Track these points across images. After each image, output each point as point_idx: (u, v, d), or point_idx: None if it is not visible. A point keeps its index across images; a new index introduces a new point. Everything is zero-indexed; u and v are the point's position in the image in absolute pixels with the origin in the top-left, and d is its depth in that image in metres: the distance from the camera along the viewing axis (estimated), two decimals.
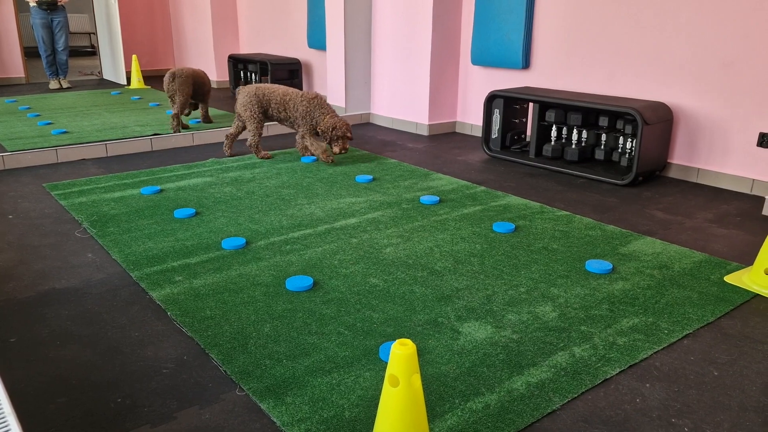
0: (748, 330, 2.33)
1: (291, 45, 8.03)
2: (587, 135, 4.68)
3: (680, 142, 4.38)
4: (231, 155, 4.91)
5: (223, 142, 5.49)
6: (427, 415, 1.79)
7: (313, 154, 4.79)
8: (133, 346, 2.17)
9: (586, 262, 2.88)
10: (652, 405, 1.88)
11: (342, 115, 6.32)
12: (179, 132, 5.51)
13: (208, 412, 1.83)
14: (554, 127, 4.77)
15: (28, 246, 3.08)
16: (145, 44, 10.18)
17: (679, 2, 4.19)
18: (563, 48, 4.97)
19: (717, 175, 4.22)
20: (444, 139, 5.78)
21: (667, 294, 2.60)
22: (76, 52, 12.97)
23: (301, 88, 7.72)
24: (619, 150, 4.49)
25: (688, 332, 2.30)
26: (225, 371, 2.02)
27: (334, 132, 4.50)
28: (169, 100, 5.65)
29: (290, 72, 7.60)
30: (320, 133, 4.57)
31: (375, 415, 1.78)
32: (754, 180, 4.05)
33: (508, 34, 5.26)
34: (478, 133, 5.88)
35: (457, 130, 6.12)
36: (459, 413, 1.82)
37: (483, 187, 4.12)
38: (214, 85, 9.04)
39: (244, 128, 4.81)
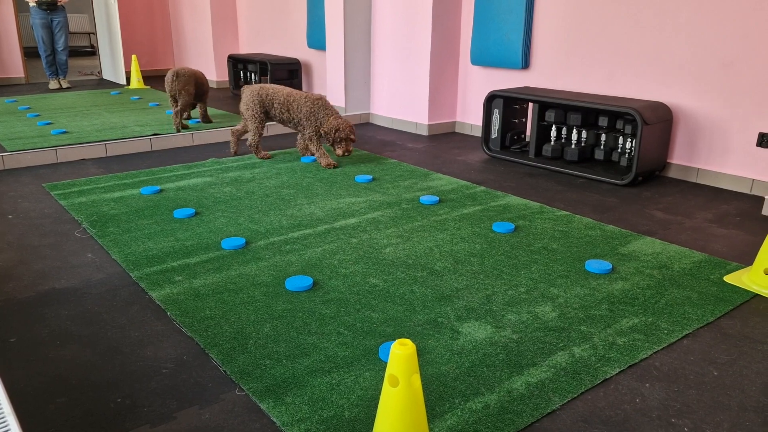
0: (748, 330, 2.33)
1: (290, 45, 8.03)
2: (587, 135, 4.68)
3: (680, 142, 4.39)
4: (236, 153, 4.91)
5: (222, 142, 5.50)
6: (427, 415, 1.79)
7: (316, 159, 4.77)
8: (132, 346, 2.17)
9: (586, 262, 2.88)
10: (651, 405, 1.88)
11: (341, 115, 6.31)
12: (181, 130, 5.57)
13: (207, 412, 1.83)
14: (554, 127, 4.77)
15: (27, 246, 3.08)
16: (145, 44, 10.18)
17: (678, 2, 4.19)
18: (563, 48, 4.97)
19: (717, 175, 4.22)
20: (444, 139, 5.78)
21: (667, 294, 2.60)
22: (75, 52, 12.97)
23: (300, 89, 7.72)
24: (619, 150, 4.49)
25: (687, 332, 2.30)
26: (225, 371, 2.02)
27: (337, 134, 4.48)
28: (170, 99, 5.65)
29: (290, 72, 7.60)
30: (323, 135, 4.55)
31: (375, 415, 1.78)
32: (753, 180, 4.05)
33: (508, 34, 5.26)
34: (478, 133, 5.88)
35: (456, 130, 6.12)
36: (459, 413, 1.82)
37: (483, 187, 4.12)
38: (213, 85, 9.04)
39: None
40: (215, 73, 9.03)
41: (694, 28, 4.14)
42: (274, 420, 1.79)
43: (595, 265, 2.82)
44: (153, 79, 9.69)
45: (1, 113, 6.45)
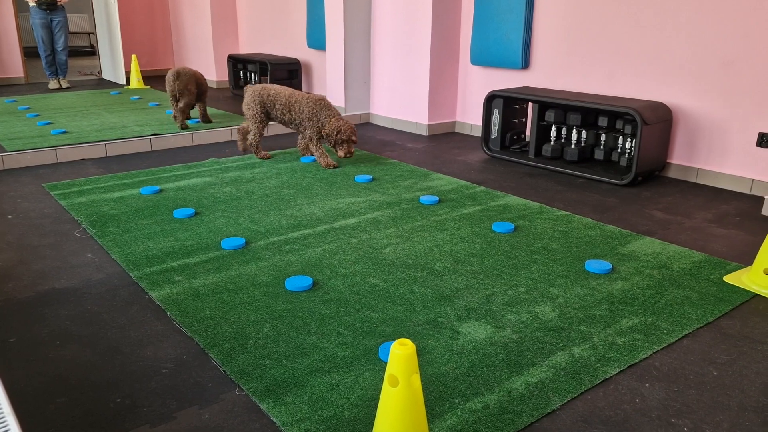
0: (748, 330, 2.33)
1: (290, 45, 8.03)
2: (587, 135, 4.68)
3: (680, 142, 4.39)
4: (245, 150, 4.91)
5: (222, 142, 5.50)
6: (427, 415, 1.79)
7: (316, 159, 4.76)
8: (132, 346, 2.17)
9: (586, 262, 2.88)
10: (651, 405, 1.88)
11: (342, 115, 6.31)
12: (186, 127, 5.65)
13: (207, 412, 1.83)
14: (554, 127, 4.77)
15: (27, 246, 3.08)
16: (145, 44, 10.17)
17: (678, 2, 4.19)
18: (563, 48, 4.97)
19: (716, 175, 4.23)
20: (443, 139, 5.78)
21: (667, 294, 2.60)
22: (75, 52, 12.97)
23: (300, 89, 7.72)
24: (619, 150, 4.49)
25: (687, 332, 2.30)
26: (224, 371, 2.02)
27: (338, 135, 4.45)
28: (171, 98, 5.65)
29: (289, 72, 7.60)
30: (325, 137, 4.52)
31: (374, 415, 1.78)
32: (753, 180, 4.05)
33: (508, 34, 5.26)
34: (478, 133, 5.88)
35: (456, 130, 6.12)
36: (458, 413, 1.82)
37: (482, 187, 4.12)
38: (213, 85, 9.04)
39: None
40: (215, 73, 9.03)
41: (695, 28, 4.14)
42: (274, 420, 1.79)
43: (594, 265, 2.82)
44: (153, 79, 9.69)
45: (1, 113, 6.45)
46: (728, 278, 2.75)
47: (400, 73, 6.06)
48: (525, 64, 5.25)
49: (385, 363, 2.06)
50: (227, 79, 8.82)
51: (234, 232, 3.26)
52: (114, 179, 4.22)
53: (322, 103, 4.54)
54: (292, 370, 2.02)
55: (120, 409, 1.84)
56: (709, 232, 3.37)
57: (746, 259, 3.00)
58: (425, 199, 3.79)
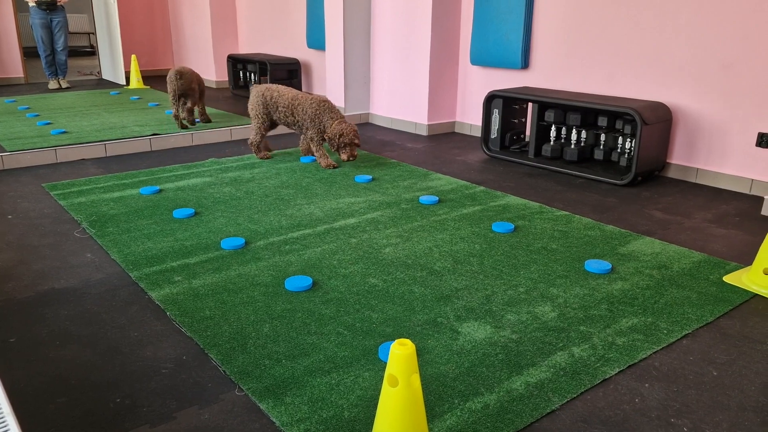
0: (747, 330, 2.33)
1: (290, 45, 8.03)
2: (586, 135, 4.68)
3: (679, 142, 4.39)
4: (268, 150, 4.91)
5: (222, 142, 5.50)
6: (427, 415, 1.79)
7: (316, 159, 4.76)
8: (132, 346, 2.17)
9: (585, 262, 2.88)
10: (651, 405, 1.88)
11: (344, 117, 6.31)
12: (194, 124, 5.73)
13: (207, 412, 1.83)
14: (553, 127, 4.77)
15: (27, 246, 3.08)
16: (145, 44, 10.17)
17: (678, 4, 4.19)
18: (563, 48, 4.97)
19: (716, 175, 4.23)
20: (443, 139, 5.78)
21: (666, 294, 2.60)
22: (75, 52, 12.96)
23: (300, 89, 7.72)
24: (618, 150, 4.49)
25: (687, 332, 2.30)
26: (224, 371, 2.02)
27: (341, 139, 4.39)
28: (172, 98, 5.65)
29: (289, 72, 7.60)
30: (327, 140, 4.47)
31: (374, 415, 1.78)
32: (753, 180, 4.06)
33: (507, 34, 5.26)
34: (478, 133, 5.88)
35: (456, 130, 6.12)
36: (458, 413, 1.82)
37: (482, 187, 4.12)
38: (213, 85, 9.05)
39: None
40: (215, 73, 9.03)
41: (694, 30, 4.14)
42: (274, 420, 1.79)
43: (594, 265, 2.82)
44: (152, 79, 9.69)
45: (1, 113, 6.45)
46: (728, 278, 2.75)
47: (399, 73, 6.06)
48: (525, 65, 5.25)
49: (385, 363, 2.06)
50: (227, 79, 8.82)
51: (234, 232, 3.26)
52: (114, 179, 4.22)
53: (325, 105, 4.50)
54: (292, 370, 2.03)
55: (120, 409, 1.84)
56: (709, 232, 3.37)
57: (746, 259, 3.00)
58: (425, 199, 3.79)
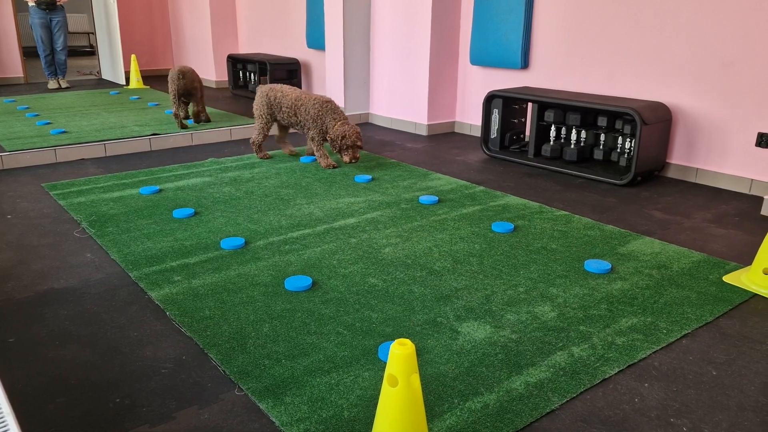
0: (747, 330, 2.33)
1: (290, 45, 8.03)
2: (586, 135, 4.68)
3: (679, 142, 4.39)
4: (291, 153, 4.90)
5: (221, 142, 5.50)
6: (426, 415, 1.79)
7: (316, 159, 4.75)
8: (132, 346, 2.17)
9: (585, 262, 2.88)
10: (650, 405, 1.88)
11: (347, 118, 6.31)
12: (206, 121, 5.82)
13: (207, 412, 1.83)
14: (553, 127, 4.77)
15: (26, 246, 3.07)
16: (144, 44, 10.17)
17: (678, 2, 4.19)
18: (562, 48, 4.97)
19: (716, 175, 4.23)
20: (443, 139, 5.78)
21: (666, 294, 2.60)
22: (74, 52, 12.96)
23: (299, 88, 7.71)
24: (618, 150, 4.49)
25: (686, 332, 2.30)
26: (224, 371, 2.02)
27: (343, 141, 4.35)
28: (173, 97, 5.65)
29: (289, 72, 7.60)
30: (329, 141, 4.44)
31: (374, 415, 1.78)
32: (752, 180, 4.06)
33: (507, 34, 5.26)
34: (477, 133, 5.88)
35: (456, 130, 6.12)
36: (458, 413, 1.82)
37: (482, 187, 4.12)
38: (213, 85, 9.05)
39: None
40: (215, 73, 9.03)
41: (694, 29, 4.14)
42: (274, 420, 1.79)
43: (594, 265, 2.82)
44: (152, 79, 9.69)
45: (0, 113, 6.45)
46: (727, 278, 2.75)
47: (399, 73, 6.06)
48: (524, 64, 5.25)
49: (385, 363, 2.06)
50: (227, 79, 8.82)
51: (233, 232, 3.26)
52: (113, 179, 4.22)
53: (328, 106, 4.47)
54: (292, 370, 2.03)
55: (119, 409, 1.84)
56: (709, 232, 3.37)
57: (745, 259, 3.00)
58: (425, 199, 3.79)
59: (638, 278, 2.74)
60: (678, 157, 4.42)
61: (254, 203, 3.73)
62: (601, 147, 4.56)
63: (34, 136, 5.29)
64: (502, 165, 4.80)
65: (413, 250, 3.02)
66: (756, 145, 4.00)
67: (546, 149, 4.70)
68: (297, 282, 2.62)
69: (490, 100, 4.99)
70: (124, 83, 9.01)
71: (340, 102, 6.41)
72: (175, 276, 2.71)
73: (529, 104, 5.15)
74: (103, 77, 9.83)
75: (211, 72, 9.06)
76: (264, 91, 4.65)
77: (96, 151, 4.91)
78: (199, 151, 5.14)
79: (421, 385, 1.93)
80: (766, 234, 3.08)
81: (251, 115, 6.44)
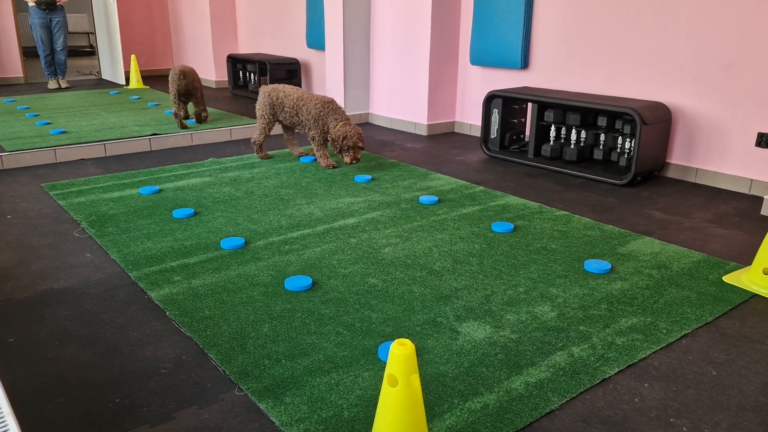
0: (747, 330, 2.33)
1: (290, 45, 8.03)
2: (586, 135, 4.68)
3: (679, 142, 4.39)
4: (301, 155, 4.88)
5: (221, 142, 5.50)
6: (426, 415, 1.79)
7: (316, 159, 4.75)
8: (131, 346, 2.17)
9: (585, 262, 2.88)
10: (650, 405, 1.88)
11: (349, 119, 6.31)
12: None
13: (206, 412, 1.83)
14: (553, 127, 4.77)
15: (26, 246, 3.07)
16: (144, 44, 10.17)
17: (678, 3, 4.19)
18: (562, 48, 4.98)
19: (715, 175, 4.23)
20: (443, 139, 5.78)
21: (666, 294, 2.60)
22: (74, 52, 12.96)
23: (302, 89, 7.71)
24: (618, 150, 4.49)
25: (686, 332, 2.30)
26: (224, 371, 2.02)
27: (344, 142, 4.32)
28: (174, 96, 5.66)
29: (289, 72, 7.60)
30: (330, 142, 4.41)
31: (374, 415, 1.78)
32: (752, 180, 4.06)
33: (507, 34, 5.26)
34: (477, 133, 5.88)
35: (455, 130, 6.13)
36: (458, 413, 1.82)
37: (482, 187, 4.12)
38: (212, 85, 9.05)
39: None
40: (214, 73, 9.03)
41: (694, 30, 4.14)
42: (273, 420, 1.79)
43: (594, 265, 2.82)
44: (152, 79, 9.69)
45: (0, 113, 6.44)
46: (727, 278, 2.75)
47: (399, 73, 6.06)
48: (524, 65, 5.25)
49: (385, 363, 2.06)
50: (227, 79, 8.82)
51: (233, 232, 3.26)
52: (113, 179, 4.22)
53: (330, 106, 4.45)
54: (292, 370, 2.03)
55: (119, 409, 1.84)
56: (708, 232, 3.37)
57: (745, 259, 3.00)
58: (424, 199, 3.79)
59: (638, 278, 2.74)
60: (678, 157, 4.42)
61: (254, 203, 3.73)
62: (601, 147, 4.56)
63: (33, 136, 5.29)
64: (501, 165, 4.80)
65: (413, 250, 3.03)
66: (756, 145, 4.00)
67: (546, 149, 4.70)
68: (297, 282, 2.62)
69: (490, 100, 4.99)
70: (124, 83, 9.01)
71: (340, 102, 6.41)
72: (175, 276, 2.71)
73: (529, 104, 5.15)
74: (103, 77, 9.83)
75: (211, 72, 9.06)
76: (266, 92, 4.65)
77: (96, 151, 4.91)
78: (199, 151, 5.14)
79: (421, 385, 1.93)
80: (765, 234, 3.08)
81: (251, 115, 6.44)
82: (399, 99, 6.14)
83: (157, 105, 7.11)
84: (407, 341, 1.52)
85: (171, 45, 10.37)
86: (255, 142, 4.74)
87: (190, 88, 5.73)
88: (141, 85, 8.72)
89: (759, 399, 1.92)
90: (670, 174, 4.47)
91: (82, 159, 4.83)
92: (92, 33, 12.70)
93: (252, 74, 7.88)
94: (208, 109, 6.77)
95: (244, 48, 9.02)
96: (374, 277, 2.72)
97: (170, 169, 4.52)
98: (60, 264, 2.86)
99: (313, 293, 2.56)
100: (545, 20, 5.05)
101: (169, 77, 5.71)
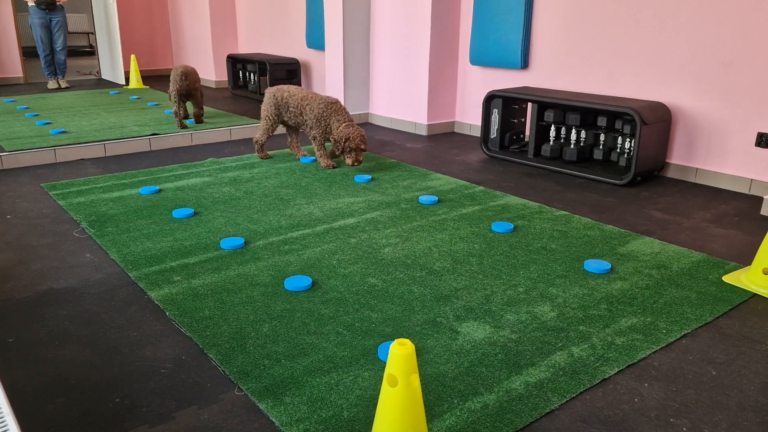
0: (746, 330, 2.33)
1: (289, 45, 8.03)
2: (586, 135, 4.68)
3: (679, 142, 4.39)
4: (299, 156, 4.88)
5: (221, 142, 5.50)
6: (426, 415, 1.79)
7: (317, 159, 4.74)
8: (131, 346, 2.17)
9: (585, 261, 2.88)
10: (650, 405, 1.88)
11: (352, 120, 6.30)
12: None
13: (206, 412, 1.83)
14: (553, 127, 4.77)
15: (26, 246, 3.07)
16: (144, 44, 10.17)
17: (678, 2, 4.19)
18: (562, 48, 4.97)
19: (715, 175, 4.23)
20: (443, 139, 5.78)
21: (666, 294, 2.60)
22: (74, 52, 12.96)
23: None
24: (618, 150, 4.49)
25: (686, 332, 2.30)
26: (223, 371, 2.02)
27: (347, 143, 4.29)
28: (175, 96, 5.66)
29: (289, 72, 7.60)
30: (333, 143, 4.38)
31: (374, 415, 1.78)
32: (752, 180, 4.06)
33: (507, 34, 5.26)
34: (477, 133, 5.88)
35: (455, 130, 6.12)
36: (457, 413, 1.82)
37: (482, 187, 4.12)
38: (212, 85, 9.05)
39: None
40: (214, 73, 9.03)
41: (694, 29, 4.14)
42: (273, 420, 1.79)
43: (593, 265, 2.82)
44: (152, 79, 9.69)
45: (0, 113, 6.44)
46: (727, 278, 2.75)
47: (399, 73, 6.06)
48: (524, 64, 5.25)
49: (384, 363, 2.06)
50: (226, 79, 8.82)
51: (233, 232, 3.26)
52: (113, 179, 4.22)
53: (333, 107, 4.42)
54: (291, 370, 2.02)
55: (119, 409, 1.84)
56: (708, 232, 3.37)
57: (745, 259, 3.00)
58: (424, 199, 3.79)
59: (638, 278, 2.74)
60: (678, 157, 4.42)
61: (254, 203, 3.73)
62: (600, 147, 4.56)
63: (33, 136, 5.29)
64: (501, 165, 4.80)
65: (413, 250, 3.02)
66: (756, 145, 4.00)
67: (546, 149, 4.70)
68: (297, 282, 2.62)
69: (489, 100, 4.99)
70: (123, 83, 9.01)
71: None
72: (175, 276, 2.71)
73: (529, 104, 5.15)
74: (103, 77, 9.83)
75: (211, 72, 9.06)
76: (272, 92, 4.65)
77: (95, 151, 4.91)
78: (198, 151, 5.14)
79: (421, 385, 1.93)
80: (765, 234, 3.08)
81: (251, 115, 6.44)
82: (399, 99, 6.14)
83: (156, 105, 7.11)
84: (407, 341, 1.52)
85: (171, 45, 10.37)
86: (257, 141, 4.74)
87: (191, 89, 5.74)
88: (141, 85, 8.72)
89: (759, 399, 1.92)
90: (670, 174, 4.47)
91: (82, 159, 4.83)
92: (92, 33, 12.70)
93: (252, 74, 7.88)
94: (208, 109, 6.77)
95: (244, 48, 9.02)
96: (374, 277, 2.72)
97: (170, 169, 4.52)
98: (60, 264, 2.86)
99: (313, 293, 2.56)
100: (545, 20, 5.05)
101: (171, 76, 5.72)
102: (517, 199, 3.87)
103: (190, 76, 5.68)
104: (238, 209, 3.62)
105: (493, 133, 5.04)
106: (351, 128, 4.34)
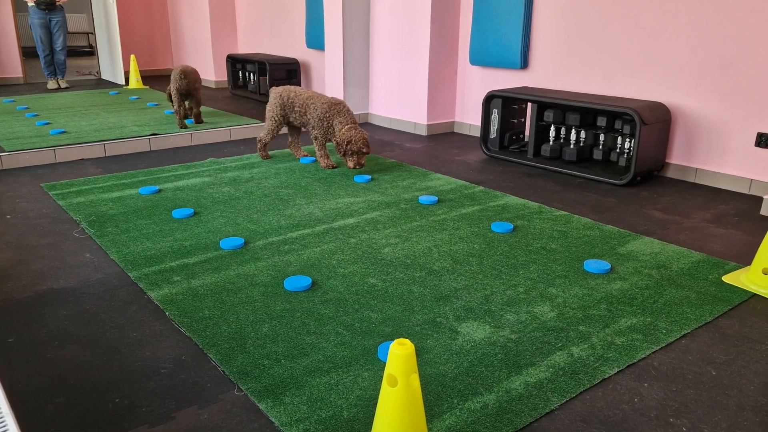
0: (746, 330, 2.34)
1: (289, 45, 8.03)
2: (585, 135, 4.68)
3: (678, 142, 4.39)
4: (300, 155, 4.87)
5: (221, 142, 5.50)
6: (426, 415, 1.79)
7: (317, 159, 4.74)
8: (131, 346, 2.17)
9: (585, 262, 2.88)
10: (650, 405, 1.89)
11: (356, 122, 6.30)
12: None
13: (206, 412, 1.83)
14: (552, 127, 4.78)
15: (26, 246, 3.07)
16: (144, 44, 10.17)
17: (678, 3, 4.19)
18: (562, 48, 4.98)
19: (715, 175, 4.23)
20: (442, 139, 5.78)
21: (665, 294, 2.60)
22: (74, 52, 12.95)
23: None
24: (618, 150, 4.49)
25: (686, 332, 2.30)
26: (223, 371, 2.02)
27: (349, 146, 4.25)
28: (175, 95, 5.66)
29: (288, 72, 7.60)
30: (335, 145, 4.35)
31: (373, 415, 1.78)
32: (752, 180, 4.06)
33: (507, 35, 5.26)
34: (477, 133, 5.88)
35: (455, 130, 6.13)
36: (457, 413, 1.82)
37: (481, 187, 4.12)
38: (212, 85, 9.05)
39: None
40: (214, 73, 9.03)
41: (694, 29, 4.14)
42: (273, 420, 1.79)
43: (593, 265, 2.82)
44: (151, 79, 9.68)
45: (0, 113, 6.44)
46: (727, 278, 2.75)
47: (399, 73, 6.06)
48: (524, 65, 5.25)
49: (384, 363, 2.06)
50: (226, 79, 8.82)
51: (233, 232, 3.26)
52: (113, 179, 4.22)
53: (337, 108, 4.38)
54: (291, 370, 2.02)
55: (119, 409, 1.84)
56: (708, 232, 3.37)
57: (745, 259, 3.00)
58: (424, 199, 3.79)
59: (638, 278, 2.74)
60: (677, 157, 4.42)
61: (254, 203, 3.73)
62: (600, 147, 4.56)
63: (33, 136, 5.29)
64: (501, 165, 4.80)
65: (413, 250, 3.03)
66: (755, 145, 4.00)
67: (545, 149, 4.70)
68: (296, 282, 2.62)
69: (489, 100, 4.99)
70: (123, 83, 9.01)
71: None
72: (175, 276, 2.71)
73: (529, 104, 5.15)
74: (103, 77, 9.83)
75: (211, 72, 9.06)
76: (278, 92, 4.65)
77: (95, 152, 4.91)
78: (198, 151, 5.14)
79: (421, 385, 1.93)
80: (765, 234, 3.08)
81: (251, 115, 6.44)
82: (398, 99, 6.14)
83: (156, 105, 7.11)
84: (407, 341, 1.52)
85: (170, 45, 10.37)
86: (260, 140, 4.74)
87: (191, 89, 5.75)
88: (140, 85, 8.72)
89: (759, 399, 1.92)
90: (670, 174, 4.47)
91: (82, 159, 4.83)
92: (92, 33, 12.69)
93: (251, 74, 7.88)
94: (206, 108, 6.78)
95: (244, 48, 9.02)
96: (374, 277, 2.72)
97: (170, 169, 4.52)
98: (59, 264, 2.86)
99: (313, 293, 2.56)
100: (545, 20, 5.05)
101: (171, 76, 5.73)
102: (516, 199, 3.87)
103: (189, 75, 5.68)
104: (238, 209, 3.62)
105: (493, 133, 5.05)
106: (354, 131, 4.29)
